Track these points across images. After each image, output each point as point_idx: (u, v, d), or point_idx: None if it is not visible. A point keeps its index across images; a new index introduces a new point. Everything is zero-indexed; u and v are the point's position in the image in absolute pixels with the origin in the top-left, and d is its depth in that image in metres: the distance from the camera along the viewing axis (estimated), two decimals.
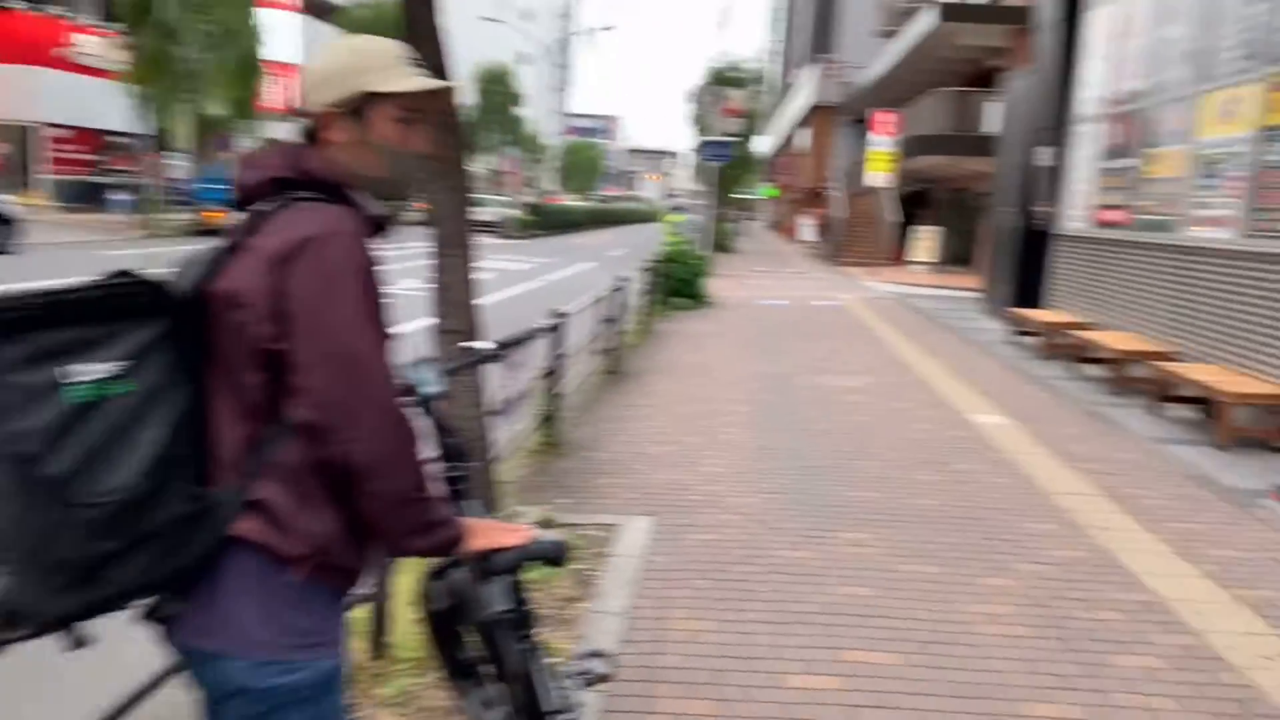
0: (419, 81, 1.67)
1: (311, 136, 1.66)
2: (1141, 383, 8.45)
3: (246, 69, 24.91)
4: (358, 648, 3.18)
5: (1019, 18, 17.18)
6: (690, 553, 4.40)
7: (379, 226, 1.69)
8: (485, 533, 1.76)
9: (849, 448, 6.37)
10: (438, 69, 3.54)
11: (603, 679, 2.14)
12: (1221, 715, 3.07)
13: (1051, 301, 11.96)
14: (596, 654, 2.17)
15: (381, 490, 1.53)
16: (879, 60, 31.13)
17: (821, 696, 3.16)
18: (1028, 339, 11.58)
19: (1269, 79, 7.33)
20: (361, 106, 1.63)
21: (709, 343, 11.08)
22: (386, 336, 1.57)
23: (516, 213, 38.63)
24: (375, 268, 1.57)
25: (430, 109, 1.73)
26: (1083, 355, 9.84)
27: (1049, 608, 3.90)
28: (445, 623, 2.68)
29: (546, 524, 4.71)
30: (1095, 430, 7.16)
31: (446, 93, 1.77)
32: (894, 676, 3.30)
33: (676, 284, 14.29)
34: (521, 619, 2.04)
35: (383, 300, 1.58)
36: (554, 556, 1.86)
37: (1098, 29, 11.30)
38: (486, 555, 1.78)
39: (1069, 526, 4.92)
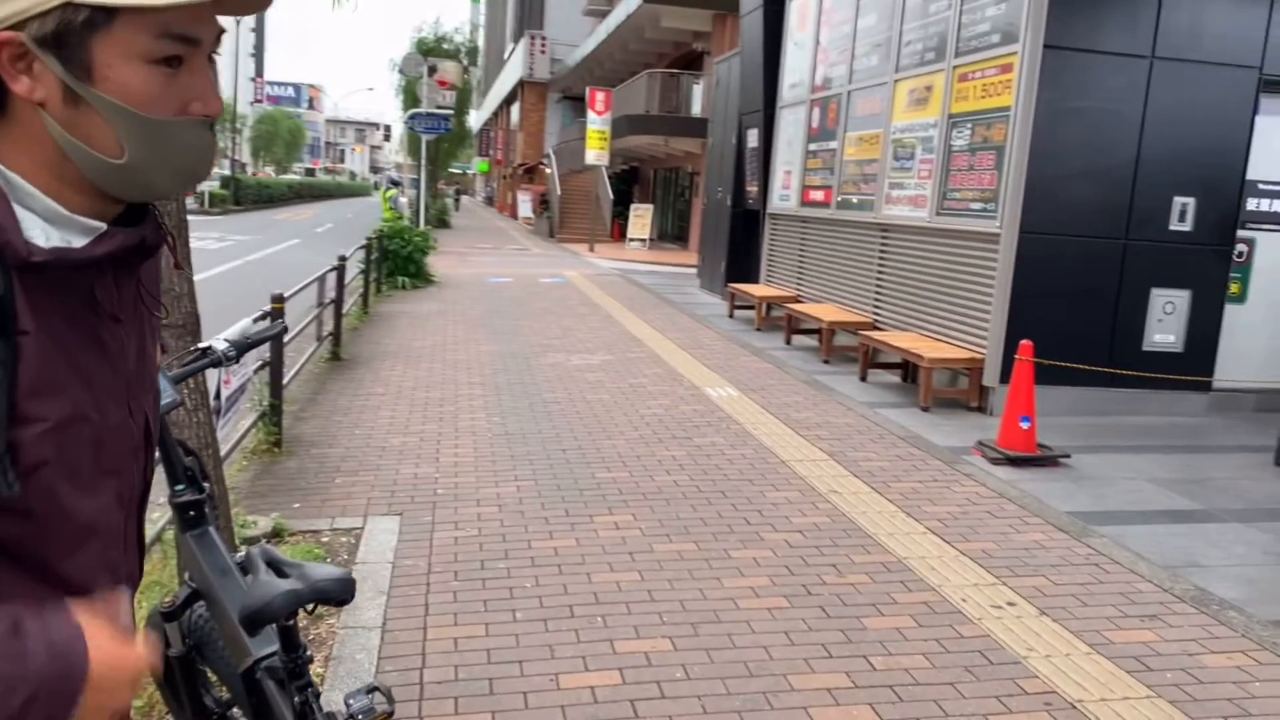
0: None
1: None
2: (850, 351, 9.08)
3: None
4: None
5: (722, 3, 17.91)
6: (445, 552, 4.14)
7: (82, 267, 0.94)
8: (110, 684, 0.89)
9: (594, 427, 6.32)
10: None
11: (386, 717, 1.88)
12: (969, 668, 3.28)
13: (765, 277, 12.62)
14: (374, 689, 1.90)
15: None
16: (588, 39, 31.54)
17: (602, 693, 3.04)
18: (745, 312, 12.16)
19: (953, 70, 8.04)
20: (74, 32, 0.87)
21: (438, 323, 10.69)
22: None
23: (211, 185, 35.91)
24: None
25: (214, 34, 0.95)
26: (796, 327, 10.46)
27: (802, 576, 4.03)
28: (181, 667, 2.29)
29: (278, 533, 4.27)
30: (814, 398, 7.59)
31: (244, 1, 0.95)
32: (669, 664, 3.25)
33: (398, 262, 13.70)
34: (295, 666, 1.74)
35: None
36: (339, 596, 1.59)
37: (798, 16, 11.96)
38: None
39: (807, 492, 5.14)
